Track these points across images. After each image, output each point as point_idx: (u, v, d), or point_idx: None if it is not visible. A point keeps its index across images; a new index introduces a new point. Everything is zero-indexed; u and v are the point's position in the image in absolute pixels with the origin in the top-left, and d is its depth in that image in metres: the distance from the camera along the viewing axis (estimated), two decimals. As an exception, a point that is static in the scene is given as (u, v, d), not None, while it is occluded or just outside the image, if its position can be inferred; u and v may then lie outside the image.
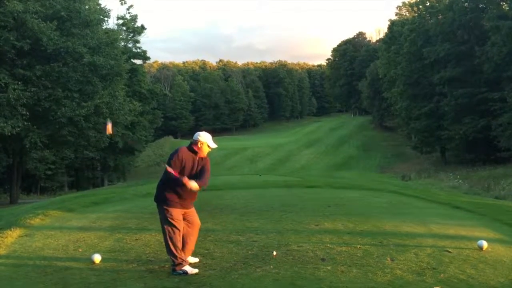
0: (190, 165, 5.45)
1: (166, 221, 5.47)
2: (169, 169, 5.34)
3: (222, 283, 4.95)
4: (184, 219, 5.58)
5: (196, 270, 5.36)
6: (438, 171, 44.68)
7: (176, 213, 5.45)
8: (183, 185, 5.27)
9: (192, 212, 5.70)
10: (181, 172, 5.39)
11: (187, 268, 5.35)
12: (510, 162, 39.66)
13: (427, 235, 6.87)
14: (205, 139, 5.54)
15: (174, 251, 5.39)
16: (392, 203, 10.02)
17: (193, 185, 5.26)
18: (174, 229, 5.43)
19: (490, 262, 5.63)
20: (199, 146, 5.51)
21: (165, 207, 5.46)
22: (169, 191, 5.47)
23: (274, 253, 5.70)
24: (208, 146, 5.56)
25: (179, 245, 5.46)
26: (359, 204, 9.71)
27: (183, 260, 5.41)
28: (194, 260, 5.75)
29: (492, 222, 8.32)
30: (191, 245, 5.71)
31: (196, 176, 5.45)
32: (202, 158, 5.59)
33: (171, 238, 5.42)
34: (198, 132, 5.67)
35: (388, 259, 5.66)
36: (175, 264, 5.36)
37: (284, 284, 4.86)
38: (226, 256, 5.89)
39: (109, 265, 5.69)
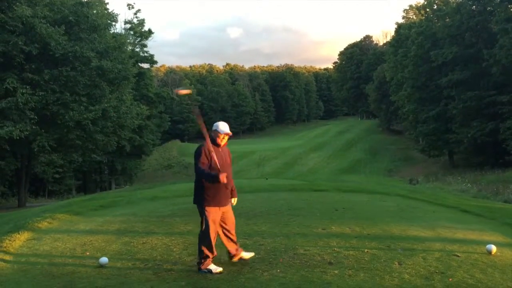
0: (218, 160, 5.53)
1: (204, 221, 5.57)
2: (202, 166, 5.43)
3: (229, 287, 4.95)
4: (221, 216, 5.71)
5: (220, 269, 5.46)
6: (446, 174, 44.39)
7: (214, 212, 5.57)
8: (218, 182, 5.38)
9: (228, 208, 5.80)
10: (211, 168, 5.49)
11: (211, 266, 5.48)
12: (519, 165, 39.36)
13: (435, 239, 6.83)
14: (225, 129, 5.66)
15: (205, 250, 5.51)
16: (400, 207, 9.97)
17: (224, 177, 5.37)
18: (210, 229, 5.53)
19: (499, 266, 5.58)
20: (221, 137, 5.64)
21: (204, 206, 5.57)
22: (204, 191, 5.57)
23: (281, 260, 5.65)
24: (229, 135, 5.69)
25: (212, 244, 5.55)
26: (366, 208, 9.67)
27: (210, 259, 5.53)
28: (250, 254, 5.87)
29: (501, 226, 8.26)
30: (233, 240, 5.83)
31: (226, 168, 5.58)
32: (223, 149, 5.73)
33: (206, 237, 5.52)
34: (216, 124, 5.75)
35: (396, 263, 5.63)
36: (201, 263, 5.50)
37: (291, 288, 4.84)
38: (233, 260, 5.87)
39: (116, 269, 5.70)
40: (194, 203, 5.80)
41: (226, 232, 5.77)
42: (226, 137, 5.68)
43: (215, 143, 5.63)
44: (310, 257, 5.91)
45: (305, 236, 6.95)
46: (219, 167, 5.47)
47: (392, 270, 5.35)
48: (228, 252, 5.84)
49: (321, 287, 4.85)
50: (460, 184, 33.71)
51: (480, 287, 4.84)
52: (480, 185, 31.67)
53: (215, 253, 5.63)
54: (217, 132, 5.63)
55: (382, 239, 6.77)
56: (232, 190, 5.86)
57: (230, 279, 5.17)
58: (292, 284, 4.94)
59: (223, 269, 5.53)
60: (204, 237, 5.55)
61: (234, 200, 5.94)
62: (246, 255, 5.85)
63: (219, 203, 5.60)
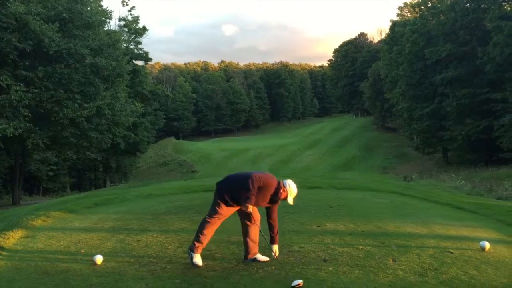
0: (263, 198, 5.53)
1: (212, 209, 5.60)
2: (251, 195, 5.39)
3: (224, 284, 4.96)
4: (240, 217, 5.72)
5: (200, 264, 5.50)
6: (440, 171, 44.61)
7: (225, 209, 5.55)
8: (244, 205, 5.38)
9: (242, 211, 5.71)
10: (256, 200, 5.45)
11: (196, 258, 5.54)
12: (513, 162, 39.56)
13: (429, 236, 6.86)
14: (291, 191, 5.60)
15: (199, 235, 5.58)
16: (394, 204, 10.00)
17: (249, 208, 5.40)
18: (213, 219, 5.56)
19: (492, 263, 5.62)
20: (282, 192, 5.56)
21: (219, 200, 5.56)
22: (230, 193, 5.57)
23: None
24: (286, 198, 5.61)
25: (207, 233, 5.57)
26: (361, 205, 9.69)
27: (198, 248, 5.57)
28: (264, 258, 5.74)
29: (494, 223, 8.31)
30: (251, 243, 5.73)
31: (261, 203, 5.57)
32: (275, 201, 5.67)
33: (205, 224, 5.58)
34: (290, 181, 5.67)
35: (390, 260, 5.65)
36: (193, 246, 5.59)
37: (286, 285, 4.85)
38: (227, 257, 5.89)
39: (111, 266, 5.69)
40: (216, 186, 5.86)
41: (244, 234, 5.80)
42: (285, 197, 5.62)
43: (276, 191, 5.56)
44: (305, 254, 5.92)
45: (299, 233, 6.97)
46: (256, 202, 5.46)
47: (386, 267, 5.37)
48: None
49: (316, 284, 4.86)
50: (454, 181, 33.87)
51: (473, 284, 4.87)
52: (473, 182, 31.82)
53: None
54: (286, 189, 5.58)
55: (377, 236, 6.80)
56: (274, 235, 5.73)
57: (225, 276, 5.18)
58: (287, 281, 4.95)
59: (218, 265, 5.54)
60: (205, 222, 5.62)
61: (274, 248, 5.72)
62: (261, 258, 5.77)
63: (235, 205, 5.60)
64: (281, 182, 5.60)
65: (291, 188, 5.58)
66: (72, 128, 27.15)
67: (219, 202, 5.54)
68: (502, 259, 5.79)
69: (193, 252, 5.56)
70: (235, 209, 5.62)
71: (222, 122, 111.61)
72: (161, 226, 7.70)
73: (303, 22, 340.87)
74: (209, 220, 5.59)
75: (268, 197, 5.56)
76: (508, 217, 8.83)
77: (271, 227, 5.70)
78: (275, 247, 5.70)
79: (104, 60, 27.45)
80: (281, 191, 5.53)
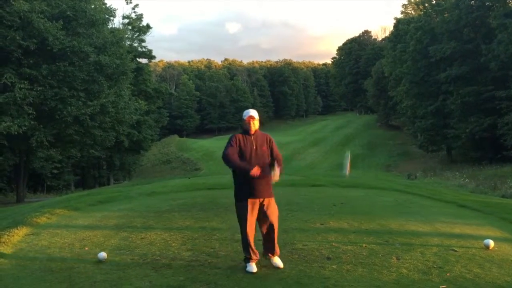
0: (248, 149, 5.27)
1: (237, 217, 5.37)
2: (228, 156, 5.16)
3: (228, 281, 4.96)
4: (260, 211, 5.31)
5: (254, 270, 5.18)
6: (444, 169, 44.49)
7: (243, 207, 5.25)
8: (247, 172, 5.09)
9: (268, 202, 5.35)
10: (241, 158, 5.23)
11: (249, 267, 5.22)
12: (517, 160, 39.44)
13: (433, 234, 6.84)
14: (247, 114, 5.39)
15: (244, 247, 5.33)
16: (398, 202, 9.98)
17: (256, 171, 5.06)
18: (242, 224, 5.28)
19: (497, 261, 5.60)
20: (246, 123, 5.36)
21: (236, 202, 5.37)
22: (236, 183, 5.37)
23: None
24: (253, 118, 5.33)
25: (249, 239, 5.25)
26: (364, 203, 9.68)
27: (250, 257, 5.28)
28: (278, 264, 5.36)
29: (498, 221, 8.28)
30: (270, 242, 5.39)
31: (259, 158, 5.26)
32: (259, 136, 5.39)
33: (241, 233, 5.32)
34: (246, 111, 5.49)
35: (394, 258, 5.64)
36: (244, 259, 5.37)
37: (290, 283, 4.85)
38: (231, 255, 5.88)
39: (115, 264, 5.70)
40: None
41: (262, 231, 5.44)
42: (253, 122, 5.31)
43: (246, 132, 5.35)
44: (309, 252, 5.91)
45: (303, 231, 6.96)
46: (247, 156, 5.21)
47: (390, 265, 5.36)
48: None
49: (319, 282, 4.86)
50: (458, 179, 33.78)
51: (477, 282, 4.85)
52: (478, 180, 31.72)
53: (254, 256, 5.31)
54: (243, 119, 5.38)
55: (380, 234, 6.79)
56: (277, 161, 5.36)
57: (229, 274, 5.18)
58: (290, 279, 4.95)
59: (221, 263, 5.54)
60: (241, 233, 5.36)
61: (275, 172, 5.27)
62: (278, 262, 5.39)
63: (252, 196, 5.24)
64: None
65: (244, 112, 5.46)
66: (76, 126, 27.24)
67: None
68: (507, 258, 5.76)
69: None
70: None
71: (226, 120, 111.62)
72: (165, 224, 7.71)
73: (306, 20, 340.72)
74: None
75: (248, 142, 5.31)
76: (513, 215, 8.80)
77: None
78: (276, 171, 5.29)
79: (108, 58, 27.53)
80: (244, 122, 5.37)
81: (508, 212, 9.19)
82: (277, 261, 5.36)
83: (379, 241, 6.37)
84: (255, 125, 5.36)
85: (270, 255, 5.41)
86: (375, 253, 5.84)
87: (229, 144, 5.29)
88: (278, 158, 5.39)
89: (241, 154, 5.25)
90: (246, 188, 5.22)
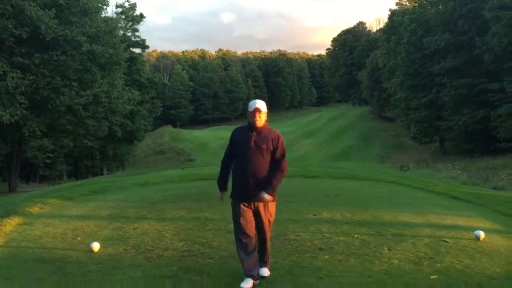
0: (242, 145, 4.66)
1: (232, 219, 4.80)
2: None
3: (220, 271, 4.98)
4: (254, 216, 4.69)
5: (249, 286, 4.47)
6: (436, 161, 44.67)
7: (236, 208, 4.68)
8: (241, 169, 4.62)
9: (261, 207, 4.69)
10: (234, 155, 4.76)
11: (243, 282, 4.51)
12: (509, 153, 39.67)
13: (424, 225, 6.90)
14: (252, 105, 4.68)
15: (238, 254, 4.69)
16: (391, 193, 10.04)
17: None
18: (236, 227, 4.69)
19: (487, 252, 5.66)
20: (251, 116, 4.66)
21: (231, 200, 4.81)
22: (233, 180, 4.80)
23: None
24: (260, 110, 4.64)
25: (241, 251, 4.63)
26: (357, 194, 9.72)
27: (245, 269, 4.58)
28: (265, 273, 4.79)
29: (489, 213, 8.35)
30: (260, 251, 4.80)
31: (255, 157, 4.62)
32: (263, 132, 4.71)
33: (235, 239, 4.72)
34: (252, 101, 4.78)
35: (386, 248, 5.68)
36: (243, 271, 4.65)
37: (282, 273, 4.89)
38: (224, 245, 5.90)
39: (108, 254, 5.71)
40: None
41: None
42: (259, 115, 4.61)
43: (250, 126, 4.67)
44: (301, 242, 5.95)
45: (296, 222, 6.99)
46: (240, 153, 4.66)
47: (382, 256, 5.40)
48: None
49: (312, 272, 4.89)
50: (451, 171, 33.93)
51: (468, 272, 4.90)
52: (470, 172, 31.90)
53: (246, 266, 4.56)
54: (248, 111, 4.66)
55: (372, 225, 6.83)
56: (268, 182, 4.62)
57: (221, 264, 5.21)
58: (282, 269, 4.98)
59: (215, 253, 5.56)
60: (235, 238, 4.76)
61: (263, 196, 4.59)
62: (263, 271, 4.80)
63: (245, 197, 4.66)
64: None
65: (251, 103, 4.74)
66: (69, 116, 27.12)
67: None
68: (497, 249, 5.83)
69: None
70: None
71: (220, 111, 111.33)
72: (158, 214, 7.71)
73: (301, 11, 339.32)
74: None
75: (247, 137, 4.67)
76: (503, 207, 8.88)
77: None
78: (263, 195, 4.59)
79: (101, 47, 27.33)
80: (248, 115, 4.69)
81: (499, 204, 9.28)
82: (263, 270, 4.78)
83: (371, 232, 6.41)
84: (261, 118, 4.65)
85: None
86: (367, 243, 5.88)
87: (227, 147, 4.88)
88: (275, 172, 4.72)
89: (235, 150, 4.76)
90: (238, 188, 4.69)
